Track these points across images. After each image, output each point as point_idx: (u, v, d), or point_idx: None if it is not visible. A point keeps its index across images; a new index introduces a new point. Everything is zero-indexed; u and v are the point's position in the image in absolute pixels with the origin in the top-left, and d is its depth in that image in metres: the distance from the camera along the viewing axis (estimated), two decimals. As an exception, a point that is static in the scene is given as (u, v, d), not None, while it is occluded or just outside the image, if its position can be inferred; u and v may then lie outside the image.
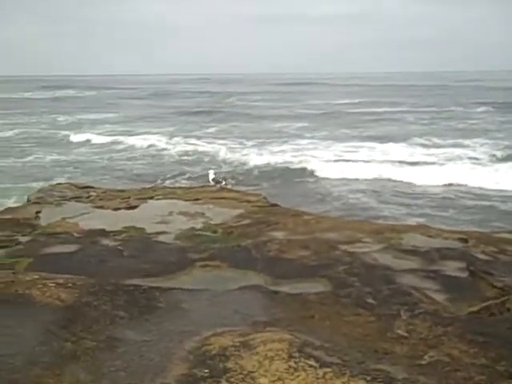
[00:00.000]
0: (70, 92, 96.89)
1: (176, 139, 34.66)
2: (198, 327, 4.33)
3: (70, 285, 5.18)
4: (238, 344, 3.94)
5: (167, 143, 33.45)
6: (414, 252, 6.43)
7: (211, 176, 15.82)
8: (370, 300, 4.84)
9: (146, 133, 38.13)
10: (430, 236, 7.22)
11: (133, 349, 3.99)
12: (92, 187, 12.05)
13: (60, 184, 12.15)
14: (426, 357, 3.80)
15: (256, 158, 27.17)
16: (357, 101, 68.15)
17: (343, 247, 6.68)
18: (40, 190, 11.19)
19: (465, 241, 6.89)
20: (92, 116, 52.18)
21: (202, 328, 4.31)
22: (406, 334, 4.15)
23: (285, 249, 6.68)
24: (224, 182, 15.08)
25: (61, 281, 5.28)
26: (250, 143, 33.41)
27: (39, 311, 4.59)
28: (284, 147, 31.41)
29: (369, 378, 3.42)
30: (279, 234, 7.45)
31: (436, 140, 33.45)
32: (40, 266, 6.09)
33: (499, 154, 27.02)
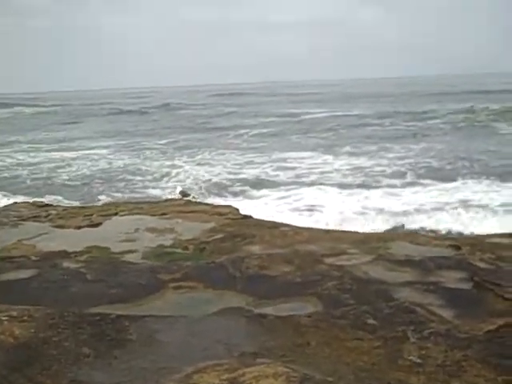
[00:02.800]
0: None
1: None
2: (176, 362, 3.71)
3: (25, 317, 4.50)
4: (225, 382, 3.34)
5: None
6: (406, 262, 5.91)
7: (178, 189, 15.29)
8: (371, 320, 4.26)
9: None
10: (419, 244, 6.73)
11: (101, 394, 3.36)
12: (52, 205, 11.34)
13: (17, 203, 11.39)
14: (448, 388, 3.25)
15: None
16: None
17: (329, 260, 6.13)
18: (-6, 211, 10.42)
19: (457, 248, 6.41)
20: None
21: (181, 363, 3.69)
22: (419, 361, 3.58)
23: (265, 264, 6.10)
24: (192, 195, 14.54)
25: (15, 313, 4.59)
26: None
27: (-12, 351, 3.92)
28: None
29: (388, 420, 2.85)
30: (256, 248, 6.87)
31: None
32: (-8, 296, 5.41)
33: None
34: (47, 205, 11.18)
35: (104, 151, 33.35)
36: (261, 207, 15.59)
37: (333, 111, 56.27)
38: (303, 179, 21.69)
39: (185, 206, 9.96)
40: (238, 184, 21.16)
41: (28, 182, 24.05)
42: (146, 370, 3.62)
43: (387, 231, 10.61)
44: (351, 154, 27.57)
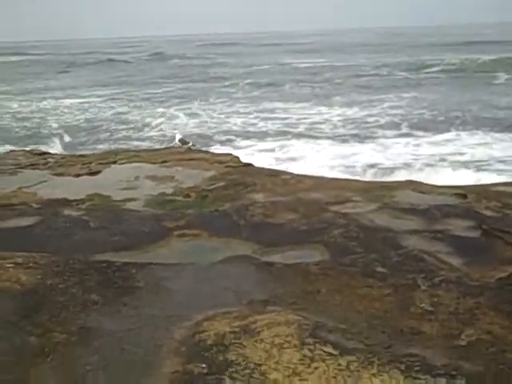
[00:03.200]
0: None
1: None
2: (185, 310, 3.68)
3: (30, 264, 4.46)
4: (236, 329, 3.31)
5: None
6: (412, 211, 5.86)
7: (178, 137, 15.12)
8: (380, 268, 4.22)
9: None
10: (423, 192, 6.67)
11: (111, 341, 3.32)
12: (49, 153, 11.23)
13: (14, 151, 11.26)
14: (463, 336, 3.22)
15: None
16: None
17: (334, 208, 6.08)
18: (-9, 159, 10.29)
19: (463, 196, 6.35)
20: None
21: (190, 311, 3.66)
22: (431, 309, 3.55)
23: (270, 212, 6.05)
24: (191, 143, 14.39)
25: (20, 260, 4.55)
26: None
27: (-5, 298, 3.89)
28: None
29: (403, 367, 2.82)
30: (259, 196, 6.81)
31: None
32: (-5, 243, 5.36)
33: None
34: (45, 153, 11.06)
35: (96, 99, 33.03)
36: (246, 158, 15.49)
37: (328, 61, 55.51)
38: (292, 130, 21.40)
39: (185, 153, 9.85)
40: (224, 134, 20.93)
41: (17, 130, 23.76)
42: (156, 317, 3.59)
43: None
44: (345, 105, 27.33)
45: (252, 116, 25.05)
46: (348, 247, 4.92)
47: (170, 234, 5.58)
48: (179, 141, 14.09)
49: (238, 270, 4.43)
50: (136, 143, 19.78)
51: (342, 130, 21.06)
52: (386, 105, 26.52)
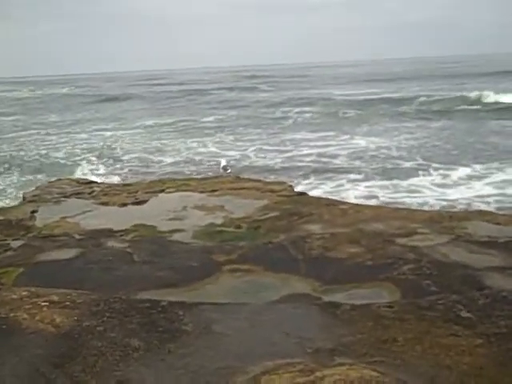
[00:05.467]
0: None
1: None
2: (240, 360, 3.16)
3: (67, 303, 4.02)
4: (303, 387, 2.77)
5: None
6: (490, 244, 5.23)
7: (223, 163, 14.73)
8: (465, 313, 3.61)
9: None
10: (499, 223, 6.02)
11: (154, 399, 2.82)
12: (95, 182, 10.93)
13: (60, 180, 10.97)
14: None
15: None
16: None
17: (400, 241, 5.50)
18: (37, 188, 10.02)
19: (546, 228, 5.70)
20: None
21: (246, 361, 3.14)
22: (537, 365, 2.95)
23: (329, 245, 5.50)
24: (229, 170, 14.01)
25: (56, 298, 4.11)
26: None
27: (26, 342, 3.43)
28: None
29: None
30: (316, 228, 6.27)
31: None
32: (32, 277, 4.96)
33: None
34: (91, 182, 10.75)
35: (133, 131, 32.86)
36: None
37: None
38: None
39: (235, 182, 9.39)
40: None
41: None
42: (206, 369, 3.07)
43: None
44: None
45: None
46: (422, 286, 4.34)
47: (221, 268, 5.09)
48: (222, 167, 13.75)
49: (299, 312, 3.89)
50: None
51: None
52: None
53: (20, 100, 70.07)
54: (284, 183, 9.25)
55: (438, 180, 16.02)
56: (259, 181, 9.66)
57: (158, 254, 5.60)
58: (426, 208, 11.51)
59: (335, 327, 3.56)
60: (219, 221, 6.91)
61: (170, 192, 8.89)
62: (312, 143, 24.30)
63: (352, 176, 17.04)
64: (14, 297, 4.13)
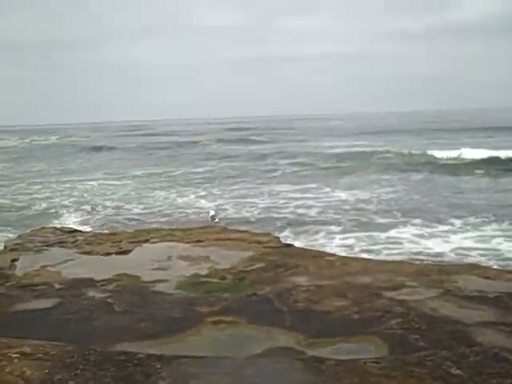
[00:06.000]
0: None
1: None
2: (219, 419, 2.99)
3: (40, 355, 3.83)
4: None
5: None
6: (480, 299, 5.10)
7: (211, 213, 14.66)
8: (455, 370, 3.47)
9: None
10: (489, 278, 5.91)
11: None
12: (80, 231, 10.75)
13: (44, 228, 10.80)
14: None
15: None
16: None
17: (388, 294, 5.37)
18: (19, 236, 9.84)
19: (537, 283, 5.58)
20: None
21: (225, 421, 2.97)
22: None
23: (315, 298, 5.35)
24: (217, 219, 13.94)
25: (28, 349, 3.92)
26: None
27: (-7, 397, 3.25)
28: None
29: None
30: (302, 280, 6.13)
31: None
32: (6, 328, 4.74)
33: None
34: (75, 230, 10.59)
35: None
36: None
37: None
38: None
39: (221, 233, 9.26)
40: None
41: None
42: (182, 429, 2.90)
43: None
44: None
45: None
46: (410, 341, 4.18)
47: (203, 320, 4.92)
48: (210, 217, 13.69)
49: (282, 367, 3.73)
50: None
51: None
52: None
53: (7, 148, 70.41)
54: (270, 234, 9.14)
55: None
56: (246, 232, 9.54)
57: (139, 305, 5.43)
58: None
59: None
60: (204, 271, 6.76)
61: (154, 242, 8.75)
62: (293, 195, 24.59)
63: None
64: (-15, 348, 3.95)
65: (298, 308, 5.11)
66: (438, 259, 12.71)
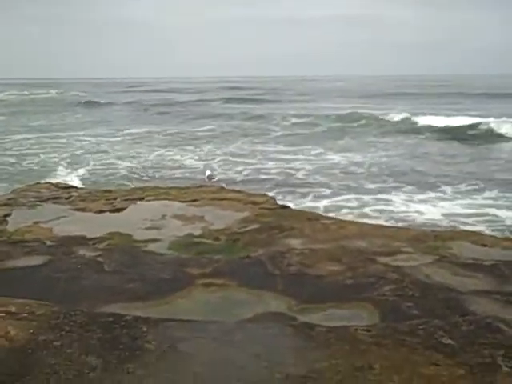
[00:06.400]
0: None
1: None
2: (204, 385, 2.92)
3: (25, 314, 3.77)
4: (268, 417, 2.53)
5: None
6: (476, 266, 5.01)
7: (207, 173, 14.59)
8: (447, 340, 3.39)
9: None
10: (485, 245, 5.81)
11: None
12: (75, 187, 10.64)
13: (38, 184, 10.67)
14: None
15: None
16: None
17: (383, 259, 5.28)
18: (13, 191, 9.73)
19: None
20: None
21: (211, 386, 2.90)
22: (523, 401, 2.73)
23: (309, 262, 5.27)
24: (216, 178, 13.87)
25: (14, 308, 3.86)
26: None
27: (-25, 357, 3.18)
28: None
29: None
30: (297, 243, 6.04)
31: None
32: (-7, 285, 4.68)
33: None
34: (71, 186, 10.47)
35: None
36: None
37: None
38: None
39: (217, 192, 9.14)
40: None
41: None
42: (166, 394, 2.84)
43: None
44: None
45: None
46: (403, 309, 4.10)
47: (194, 282, 4.84)
48: (207, 177, 13.57)
49: (271, 332, 3.66)
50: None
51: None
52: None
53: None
54: (266, 195, 9.03)
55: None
56: (242, 192, 9.41)
57: (129, 265, 5.35)
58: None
59: (309, 351, 3.33)
60: (197, 232, 6.67)
61: (149, 200, 8.64)
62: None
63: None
64: (-30, 306, 3.88)
65: (290, 272, 5.02)
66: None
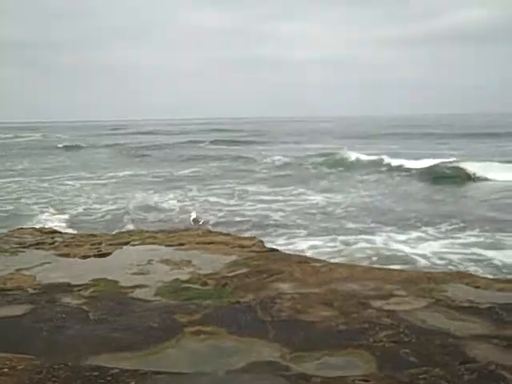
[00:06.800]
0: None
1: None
2: None
3: (5, 370, 3.58)
4: None
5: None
6: (472, 310, 4.88)
7: (193, 216, 14.52)
8: (449, 389, 3.26)
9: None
10: (479, 287, 5.71)
11: None
12: (59, 232, 10.45)
13: (21, 229, 10.48)
14: None
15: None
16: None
17: (376, 304, 5.15)
18: (-5, 237, 9.52)
19: (530, 293, 5.38)
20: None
21: None
22: None
23: (300, 307, 5.12)
24: (201, 221, 13.78)
25: (-7, 363, 3.68)
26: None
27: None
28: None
29: None
30: (287, 287, 5.90)
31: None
32: (-28, 338, 4.49)
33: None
34: (54, 231, 10.29)
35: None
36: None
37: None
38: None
39: (203, 236, 9.01)
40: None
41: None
42: None
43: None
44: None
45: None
46: (400, 356, 3.96)
47: (182, 330, 4.67)
48: (193, 220, 13.52)
49: (264, 383, 3.50)
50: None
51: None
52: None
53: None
54: (254, 238, 8.90)
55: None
56: (229, 235, 9.30)
57: (115, 313, 5.17)
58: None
59: (305, 404, 3.17)
60: (185, 277, 6.51)
61: (135, 245, 8.49)
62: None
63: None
64: None
65: (281, 318, 4.87)
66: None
